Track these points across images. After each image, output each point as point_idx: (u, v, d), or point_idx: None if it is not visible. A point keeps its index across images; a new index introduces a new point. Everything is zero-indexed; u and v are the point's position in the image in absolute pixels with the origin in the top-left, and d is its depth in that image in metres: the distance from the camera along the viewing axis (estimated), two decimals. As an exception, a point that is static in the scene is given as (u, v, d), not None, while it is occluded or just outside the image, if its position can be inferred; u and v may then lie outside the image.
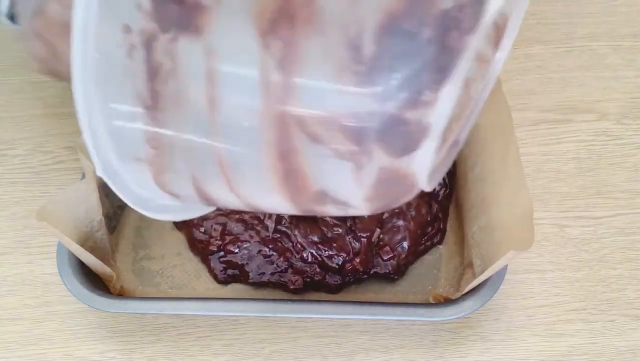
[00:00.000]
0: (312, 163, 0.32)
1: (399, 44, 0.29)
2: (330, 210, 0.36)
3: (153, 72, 0.31)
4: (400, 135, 0.31)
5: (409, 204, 0.51)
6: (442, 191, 0.54)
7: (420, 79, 0.29)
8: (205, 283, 0.51)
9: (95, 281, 0.49)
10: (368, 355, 0.49)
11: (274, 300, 0.49)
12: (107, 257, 0.51)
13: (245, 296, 0.51)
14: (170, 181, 0.36)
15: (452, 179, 0.55)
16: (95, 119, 0.33)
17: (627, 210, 0.55)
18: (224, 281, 0.51)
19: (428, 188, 0.35)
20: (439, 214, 0.53)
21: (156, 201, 0.38)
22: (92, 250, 0.48)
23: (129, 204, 0.38)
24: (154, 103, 0.32)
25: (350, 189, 0.34)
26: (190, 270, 0.52)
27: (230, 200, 0.36)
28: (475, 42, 0.30)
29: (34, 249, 0.54)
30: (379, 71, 0.29)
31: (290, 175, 0.33)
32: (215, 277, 0.51)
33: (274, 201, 0.35)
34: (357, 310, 0.47)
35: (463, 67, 0.30)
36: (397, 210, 0.51)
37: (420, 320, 0.48)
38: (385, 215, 0.51)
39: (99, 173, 0.36)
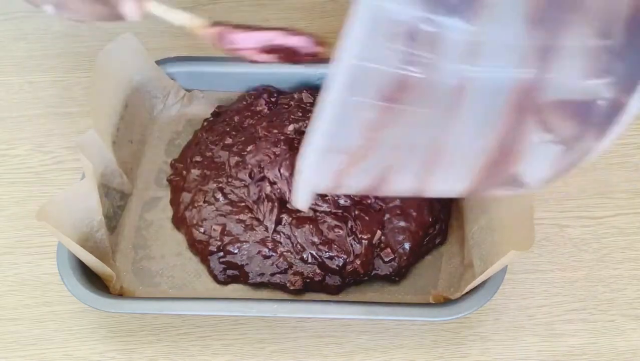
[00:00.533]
0: (529, 149, 0.34)
1: None
2: (502, 192, 0.38)
3: (407, 64, 0.32)
4: (609, 119, 0.35)
5: (410, 205, 0.51)
6: (442, 191, 0.54)
7: None
8: (205, 283, 0.51)
9: (95, 281, 0.49)
10: (368, 355, 0.49)
11: (274, 300, 0.49)
12: (107, 257, 0.51)
13: (245, 296, 0.51)
14: (354, 172, 0.36)
15: (452, 179, 0.55)
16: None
17: (627, 210, 0.55)
18: (224, 282, 0.51)
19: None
20: (440, 214, 0.53)
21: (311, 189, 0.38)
22: (92, 250, 0.48)
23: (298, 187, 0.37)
24: (394, 95, 0.33)
25: (542, 171, 0.36)
26: (190, 270, 0.52)
27: (402, 188, 0.37)
28: None
29: (34, 249, 0.54)
30: (623, 61, 0.32)
31: (500, 161, 0.35)
32: (215, 277, 0.51)
33: (451, 186, 0.37)
34: (357, 310, 0.47)
35: None
36: (398, 212, 0.51)
37: (420, 320, 0.48)
38: (387, 216, 0.51)
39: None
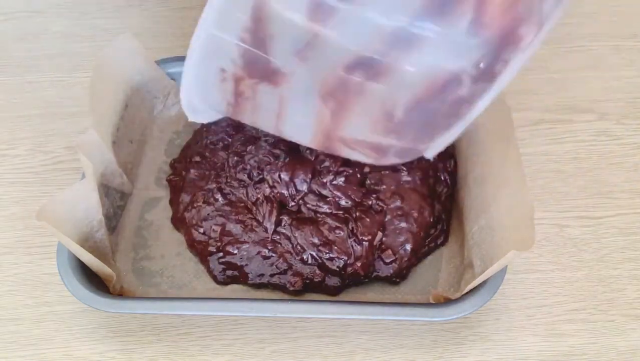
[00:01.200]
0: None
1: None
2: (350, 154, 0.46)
3: (237, 94, 0.44)
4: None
5: (411, 206, 0.51)
6: (444, 191, 0.54)
7: None
8: (205, 283, 0.51)
9: (95, 281, 0.49)
10: (368, 355, 0.49)
11: (274, 300, 0.49)
12: (107, 257, 0.51)
13: (245, 296, 0.51)
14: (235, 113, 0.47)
15: (454, 179, 0.55)
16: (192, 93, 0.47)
17: (627, 210, 0.55)
18: (223, 282, 0.51)
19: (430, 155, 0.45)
20: (442, 215, 0.53)
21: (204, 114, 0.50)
22: (92, 250, 0.48)
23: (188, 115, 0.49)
24: (235, 104, 0.45)
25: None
26: (190, 270, 0.52)
27: (268, 128, 0.47)
28: None
29: (34, 249, 0.54)
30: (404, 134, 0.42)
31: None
32: (214, 278, 0.51)
33: (301, 137, 0.47)
34: (357, 310, 0.47)
35: None
36: (399, 213, 0.51)
37: (420, 320, 0.48)
38: (388, 217, 0.51)
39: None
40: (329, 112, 0.42)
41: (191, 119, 0.50)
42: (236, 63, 0.41)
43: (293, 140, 0.47)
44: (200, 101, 0.47)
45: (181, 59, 0.60)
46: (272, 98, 0.43)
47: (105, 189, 0.53)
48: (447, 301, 0.47)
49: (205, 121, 0.52)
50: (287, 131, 0.46)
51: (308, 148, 0.52)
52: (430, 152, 0.44)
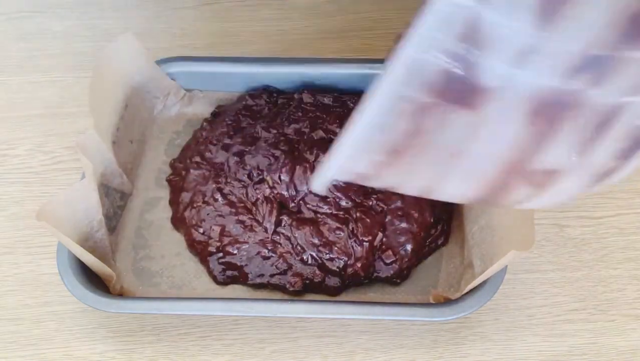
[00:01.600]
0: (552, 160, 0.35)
1: None
2: (511, 205, 0.38)
3: (409, 132, 0.34)
4: None
5: (412, 206, 0.51)
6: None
7: None
8: (205, 283, 0.51)
9: (95, 281, 0.49)
10: (368, 355, 0.49)
11: (274, 300, 0.49)
12: (107, 257, 0.51)
13: (245, 296, 0.51)
14: (387, 171, 0.37)
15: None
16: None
17: (627, 210, 0.55)
18: (223, 282, 0.51)
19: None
20: (442, 215, 0.53)
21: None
22: (92, 250, 0.48)
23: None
24: (396, 151, 0.35)
25: (555, 196, 0.37)
26: (190, 270, 0.52)
27: (415, 188, 0.38)
28: None
29: (34, 249, 0.54)
30: None
31: (516, 174, 0.35)
32: (214, 278, 0.51)
33: (462, 192, 0.38)
34: (357, 310, 0.47)
35: None
36: (400, 213, 0.51)
37: (420, 320, 0.48)
38: (388, 217, 0.51)
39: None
40: (531, 136, 0.34)
41: (318, 189, 0.38)
42: (432, 87, 0.33)
43: (448, 196, 0.39)
44: (349, 166, 0.37)
45: (181, 59, 0.61)
46: (456, 129, 0.34)
47: (105, 189, 0.53)
48: (447, 301, 0.47)
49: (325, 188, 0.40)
50: (452, 180, 0.37)
51: (308, 149, 0.52)
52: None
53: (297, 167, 0.52)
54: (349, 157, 0.35)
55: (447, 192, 0.37)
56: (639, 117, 0.33)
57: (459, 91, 0.33)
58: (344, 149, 0.35)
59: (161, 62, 0.60)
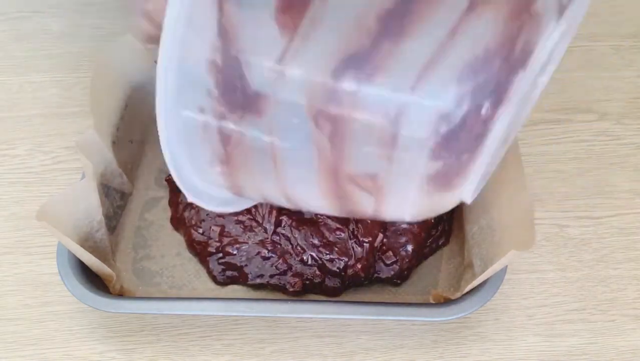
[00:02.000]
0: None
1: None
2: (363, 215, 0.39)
3: (225, 141, 0.37)
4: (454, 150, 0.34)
5: None
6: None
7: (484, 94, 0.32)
8: (205, 283, 0.51)
9: (95, 281, 0.49)
10: (368, 354, 0.49)
11: (274, 300, 0.49)
12: (107, 257, 0.51)
13: (245, 296, 0.51)
14: (233, 181, 0.40)
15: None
16: (177, 152, 0.39)
17: (627, 210, 0.55)
18: (223, 283, 0.51)
19: (469, 200, 0.38)
20: (443, 215, 0.53)
21: (209, 193, 0.42)
22: (92, 250, 0.48)
23: (188, 197, 0.41)
24: (227, 159, 0.38)
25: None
26: (190, 270, 0.52)
27: (278, 201, 0.40)
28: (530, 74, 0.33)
29: (34, 249, 0.54)
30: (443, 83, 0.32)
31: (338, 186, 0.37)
32: (214, 278, 0.51)
33: (318, 207, 0.39)
34: (357, 310, 0.47)
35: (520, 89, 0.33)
36: None
37: (420, 320, 0.48)
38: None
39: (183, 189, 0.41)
40: (327, 140, 0.34)
41: (197, 202, 0.42)
42: (212, 94, 0.35)
43: (308, 206, 0.40)
44: (192, 171, 0.40)
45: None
46: (260, 137, 0.36)
47: (105, 189, 0.53)
48: (447, 301, 0.47)
49: (211, 208, 0.43)
50: (294, 190, 0.38)
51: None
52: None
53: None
54: (186, 177, 0.39)
55: (302, 200, 0.39)
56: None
57: (237, 95, 0.34)
58: (175, 176, 0.39)
59: (161, 62, 0.59)
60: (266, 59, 0.33)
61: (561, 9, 0.33)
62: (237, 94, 0.35)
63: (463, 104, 0.32)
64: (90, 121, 0.51)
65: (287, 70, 0.33)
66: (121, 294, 0.50)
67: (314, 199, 0.38)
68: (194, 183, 0.40)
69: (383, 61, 0.32)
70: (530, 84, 0.35)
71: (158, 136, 0.59)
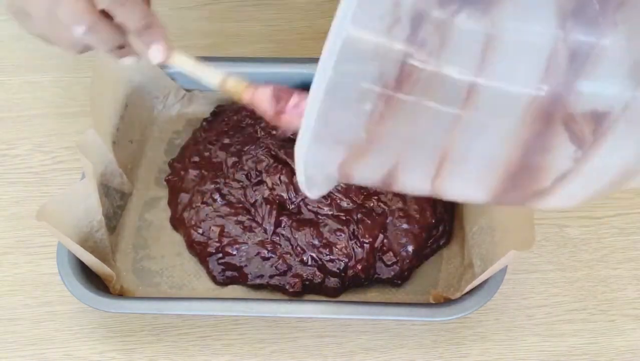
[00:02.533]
0: (556, 163, 0.31)
1: None
2: (531, 205, 0.34)
3: (412, 52, 0.28)
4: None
5: (413, 207, 0.51)
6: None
7: None
8: (205, 283, 0.51)
9: (95, 281, 0.49)
10: (368, 354, 0.49)
11: (274, 300, 0.49)
12: (107, 257, 0.51)
13: (245, 296, 0.51)
14: (359, 166, 0.34)
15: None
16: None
17: (627, 210, 0.55)
18: (223, 283, 0.51)
19: None
20: (444, 216, 0.53)
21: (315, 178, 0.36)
22: (92, 250, 0.48)
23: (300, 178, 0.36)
24: (397, 84, 0.29)
25: (574, 190, 0.32)
26: (190, 270, 0.52)
27: (414, 187, 0.35)
28: None
29: (34, 249, 0.54)
30: None
31: (522, 173, 0.31)
32: (213, 279, 0.51)
33: (471, 193, 0.34)
34: (357, 310, 0.47)
35: None
36: (401, 214, 0.51)
37: (420, 320, 0.48)
38: (389, 218, 0.51)
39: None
40: (527, 135, 0.30)
41: (310, 194, 0.37)
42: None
43: (460, 196, 0.36)
44: (317, 161, 0.34)
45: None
46: (473, 42, 0.28)
47: (105, 189, 0.53)
48: (447, 301, 0.47)
49: (320, 194, 0.39)
50: (455, 172, 0.33)
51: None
52: None
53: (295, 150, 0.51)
54: (311, 153, 0.32)
55: (453, 193, 0.35)
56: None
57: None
58: (303, 142, 0.32)
59: (161, 62, 0.59)
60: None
61: None
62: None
63: None
64: (90, 121, 0.51)
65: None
66: (121, 295, 0.50)
67: (477, 180, 0.33)
68: (313, 175, 0.35)
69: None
70: None
71: (157, 136, 0.59)
